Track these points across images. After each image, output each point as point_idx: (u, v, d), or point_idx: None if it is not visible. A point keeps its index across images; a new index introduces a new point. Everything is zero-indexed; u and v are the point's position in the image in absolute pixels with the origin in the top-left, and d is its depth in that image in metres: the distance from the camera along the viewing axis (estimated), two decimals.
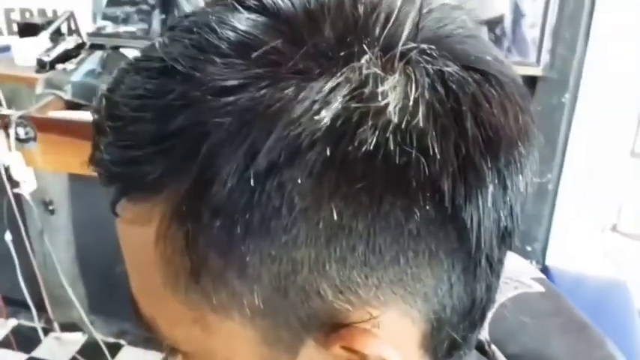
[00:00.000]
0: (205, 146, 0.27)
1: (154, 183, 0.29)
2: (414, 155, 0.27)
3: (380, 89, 0.27)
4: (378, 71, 0.27)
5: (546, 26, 1.51)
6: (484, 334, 0.50)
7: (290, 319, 0.30)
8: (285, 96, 0.27)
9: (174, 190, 0.29)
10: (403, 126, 0.27)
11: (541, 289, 0.55)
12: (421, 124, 0.27)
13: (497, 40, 1.56)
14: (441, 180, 0.28)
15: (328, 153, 0.26)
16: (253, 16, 0.29)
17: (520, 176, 0.31)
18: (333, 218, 0.27)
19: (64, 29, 1.68)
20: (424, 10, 0.30)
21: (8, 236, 1.91)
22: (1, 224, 1.88)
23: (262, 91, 0.27)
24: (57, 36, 1.65)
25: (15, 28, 1.69)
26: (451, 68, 0.29)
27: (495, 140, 0.29)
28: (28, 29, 1.63)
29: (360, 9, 0.29)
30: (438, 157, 0.27)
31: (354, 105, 0.27)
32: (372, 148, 0.27)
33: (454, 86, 0.28)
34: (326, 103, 0.27)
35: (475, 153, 0.29)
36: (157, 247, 0.30)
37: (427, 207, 0.28)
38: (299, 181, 0.27)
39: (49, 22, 1.66)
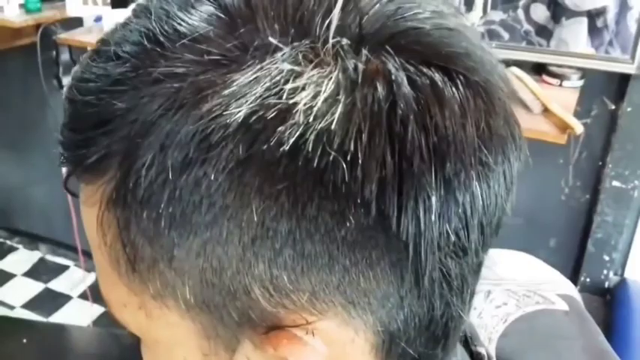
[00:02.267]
0: (132, 134, 0.27)
1: (94, 167, 0.29)
2: (332, 158, 0.25)
3: (293, 86, 0.25)
4: (295, 67, 0.26)
5: None
6: (490, 348, 0.47)
7: (224, 316, 0.29)
8: (203, 87, 0.26)
9: (110, 176, 0.29)
10: (319, 126, 0.25)
11: (565, 307, 0.52)
12: (336, 125, 0.25)
13: (598, 33, 1.47)
14: (364, 186, 0.26)
15: (241, 151, 0.25)
16: (202, 4, 0.29)
17: (484, 184, 0.28)
18: (255, 218, 0.26)
19: None
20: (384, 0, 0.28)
21: None
22: None
23: (183, 82, 0.26)
24: None
25: (109, 0, 1.77)
26: (395, 64, 0.26)
27: (442, 146, 0.26)
28: (119, 1, 1.70)
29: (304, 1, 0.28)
30: (360, 160, 0.25)
31: (270, 101, 0.25)
32: (290, 147, 0.25)
33: (394, 85, 0.26)
34: (239, 97, 0.25)
35: (414, 159, 0.26)
36: (99, 231, 0.30)
37: (357, 214, 0.26)
38: (213, 177, 0.26)
39: None
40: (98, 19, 1.77)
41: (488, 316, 0.49)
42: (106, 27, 1.68)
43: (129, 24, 0.30)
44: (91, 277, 2.44)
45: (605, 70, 1.47)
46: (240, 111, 0.25)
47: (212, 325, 0.30)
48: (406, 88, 0.26)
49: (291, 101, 0.25)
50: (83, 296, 2.39)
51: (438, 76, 0.27)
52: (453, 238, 0.28)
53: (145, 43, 0.28)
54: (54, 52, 1.86)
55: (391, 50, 0.27)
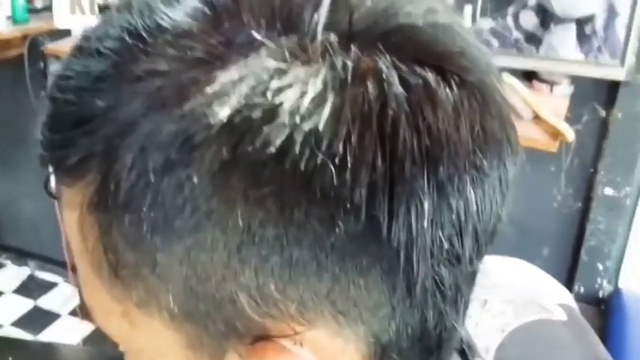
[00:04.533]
0: (112, 134, 0.26)
1: (75, 168, 0.28)
2: (320, 161, 0.24)
3: (278, 84, 0.24)
4: (282, 65, 0.24)
5: (633, 25, 1.40)
6: (488, 359, 0.46)
7: (209, 325, 0.28)
8: (186, 85, 0.25)
9: (91, 179, 0.27)
10: (306, 127, 0.24)
11: (564, 317, 0.50)
12: (324, 126, 0.24)
13: (587, 39, 1.48)
14: (354, 191, 0.24)
15: (225, 152, 0.24)
16: (189, 0, 0.27)
17: (479, 190, 0.27)
18: (240, 224, 0.25)
19: None
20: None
21: None
22: None
23: (166, 79, 0.25)
24: None
25: (96, 9, 1.77)
26: (387, 63, 0.25)
27: (435, 149, 0.25)
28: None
29: None
30: (349, 164, 0.24)
31: (255, 100, 0.24)
32: (276, 150, 0.24)
33: (385, 85, 0.25)
34: (223, 96, 0.24)
35: (406, 162, 0.25)
36: (80, 236, 0.29)
37: (347, 220, 0.25)
38: (196, 180, 0.24)
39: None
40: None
41: (485, 325, 0.48)
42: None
43: (111, 19, 0.28)
44: None
45: (594, 76, 1.48)
46: (223, 110, 0.24)
47: (197, 335, 0.29)
48: (398, 88, 0.25)
49: (276, 100, 0.24)
50: (73, 313, 2.35)
51: (431, 76, 0.26)
52: (446, 245, 0.27)
53: (127, 38, 0.27)
54: (42, 64, 1.86)
55: (382, 48, 0.25)
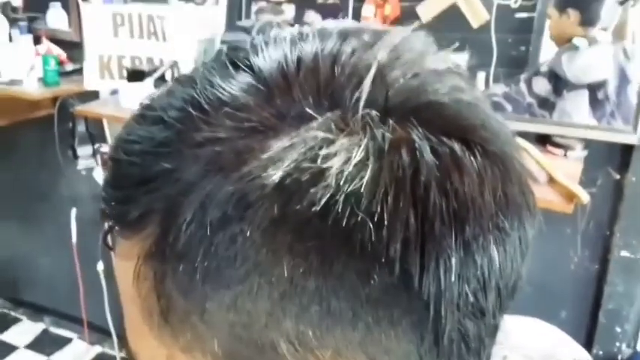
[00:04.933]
0: (174, 193, 0.29)
1: (135, 223, 0.30)
2: (360, 218, 0.27)
3: (326, 152, 0.27)
4: (329, 135, 0.28)
5: None
6: None
7: None
8: (242, 151, 0.28)
9: (149, 232, 0.30)
10: (349, 189, 0.27)
11: None
12: (364, 188, 0.27)
13: (600, 105, 1.51)
14: (389, 246, 0.27)
15: (276, 210, 0.27)
16: (242, 75, 0.31)
17: (501, 248, 0.29)
18: (285, 275, 0.27)
19: (168, 76, 1.81)
20: (409, 74, 0.30)
21: (100, 266, 2.03)
22: (96, 255, 2.00)
23: (224, 146, 0.28)
24: (161, 82, 1.77)
25: (124, 73, 1.84)
26: (419, 134, 0.28)
27: (462, 210, 0.28)
28: (135, 75, 1.77)
29: (336, 70, 0.30)
30: (386, 222, 0.27)
31: (305, 165, 0.27)
32: (320, 208, 0.26)
33: (418, 153, 0.28)
34: (277, 161, 0.27)
35: (436, 222, 0.27)
36: (135, 284, 0.31)
37: (382, 273, 0.27)
38: (248, 234, 0.27)
39: (155, 70, 1.79)
40: (114, 92, 1.83)
41: None
42: (122, 100, 1.74)
43: (174, 91, 0.32)
44: (94, 350, 2.40)
45: (607, 140, 1.50)
46: (276, 173, 0.27)
47: None
48: (429, 156, 0.28)
49: (324, 165, 0.27)
50: None
51: (457, 146, 0.29)
52: (471, 299, 0.29)
53: (190, 109, 0.30)
54: (70, 124, 1.92)
55: (415, 121, 0.29)
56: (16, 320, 2.65)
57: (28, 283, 2.66)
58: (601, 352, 1.66)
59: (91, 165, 1.94)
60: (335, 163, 0.27)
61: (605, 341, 1.65)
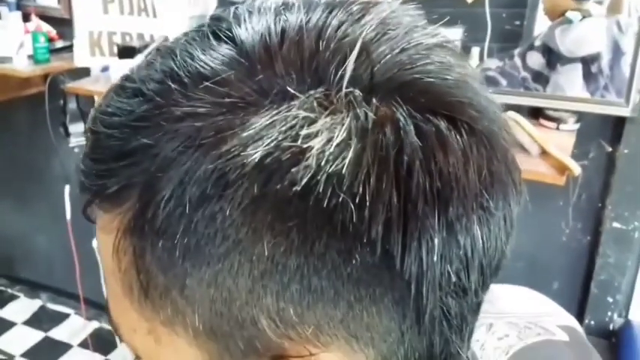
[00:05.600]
0: (153, 168, 0.28)
1: (114, 196, 0.30)
2: (341, 199, 0.27)
3: (308, 131, 0.27)
4: (310, 114, 0.27)
5: (638, 64, 1.43)
6: None
7: (231, 344, 0.30)
8: (221, 129, 0.28)
9: (129, 206, 0.30)
10: (330, 169, 0.27)
11: (565, 338, 0.52)
12: (346, 169, 0.27)
13: (594, 78, 1.51)
14: (371, 227, 0.27)
15: (256, 190, 0.27)
16: (223, 47, 0.30)
17: (485, 228, 0.30)
18: (266, 253, 0.27)
19: None
20: (396, 50, 0.30)
21: (95, 243, 2.03)
22: (90, 231, 2.00)
23: (204, 122, 0.28)
24: None
25: (115, 50, 1.82)
26: (404, 113, 0.28)
27: (446, 190, 0.28)
28: (126, 51, 1.74)
29: (321, 45, 0.29)
30: (368, 203, 0.27)
31: (286, 144, 0.27)
32: (301, 188, 0.26)
33: (402, 133, 0.27)
34: (257, 139, 0.27)
35: (419, 202, 0.27)
36: (114, 258, 0.31)
37: (363, 253, 0.27)
38: (228, 213, 0.27)
39: (146, 46, 1.77)
40: (105, 69, 1.81)
41: (490, 347, 0.50)
42: (113, 77, 1.73)
43: (153, 63, 0.31)
44: (91, 326, 2.42)
45: (600, 113, 1.51)
46: (256, 152, 0.27)
47: (218, 353, 0.31)
48: (413, 136, 0.28)
49: (305, 145, 0.27)
50: (83, 345, 2.36)
51: (443, 124, 0.28)
52: (453, 278, 0.29)
53: (169, 83, 0.29)
54: (61, 101, 1.90)
55: (400, 99, 0.28)
56: (13, 297, 2.67)
57: (24, 260, 2.67)
58: (593, 322, 1.69)
59: (82, 142, 1.93)
60: (316, 143, 0.27)
61: (597, 311, 1.68)
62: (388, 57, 0.29)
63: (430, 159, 0.28)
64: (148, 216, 0.29)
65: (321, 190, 0.26)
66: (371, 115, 0.28)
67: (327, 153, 0.27)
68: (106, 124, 0.31)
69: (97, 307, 2.33)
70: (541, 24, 1.53)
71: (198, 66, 0.30)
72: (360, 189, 0.27)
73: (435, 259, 0.28)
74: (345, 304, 0.29)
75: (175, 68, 0.30)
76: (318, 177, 0.26)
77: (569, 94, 1.52)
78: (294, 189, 0.26)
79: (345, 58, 0.29)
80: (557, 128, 1.51)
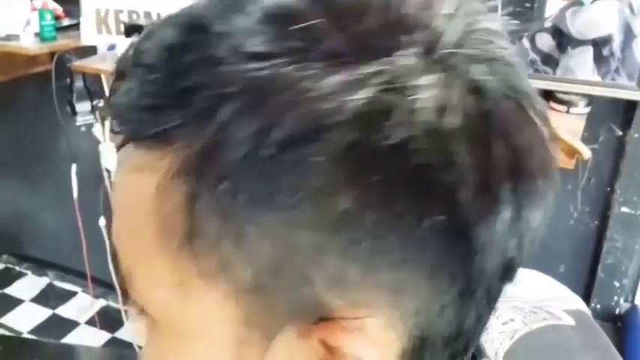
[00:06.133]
0: (225, 108, 0.26)
1: (168, 133, 0.28)
2: (437, 159, 0.26)
3: (415, 84, 0.26)
4: (414, 68, 0.27)
5: None
6: None
7: (276, 301, 0.28)
8: (314, 74, 0.26)
9: (186, 144, 0.27)
10: (432, 127, 0.26)
11: (572, 322, 0.52)
12: (451, 128, 0.26)
13: (605, 61, 1.49)
14: (458, 191, 0.27)
15: (350, 138, 0.25)
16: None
17: (535, 211, 0.30)
18: (342, 206, 0.26)
19: None
20: (468, 29, 0.29)
21: (102, 222, 2.04)
22: (97, 210, 2.01)
23: (292, 66, 0.26)
24: None
25: (122, 28, 1.80)
26: (495, 84, 0.28)
27: (520, 168, 0.28)
28: (133, 30, 1.73)
29: (411, 6, 0.28)
30: (461, 166, 0.26)
31: (386, 96, 0.26)
32: (396, 142, 0.25)
33: (493, 104, 0.27)
34: (358, 87, 0.26)
35: (500, 175, 0.27)
36: (156, 199, 0.28)
37: (440, 216, 0.27)
38: (314, 160, 0.25)
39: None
40: (112, 47, 1.80)
41: (495, 332, 0.50)
42: (119, 55, 1.72)
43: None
44: (98, 304, 2.44)
45: (611, 96, 1.49)
46: (355, 100, 0.25)
47: (259, 310, 0.29)
48: (500, 107, 0.28)
49: (406, 99, 0.26)
50: (91, 322, 2.39)
51: (518, 104, 0.29)
52: (508, 255, 0.30)
53: (237, 19, 0.28)
54: (68, 80, 1.89)
55: (488, 71, 0.28)
56: (20, 275, 2.69)
57: (32, 238, 2.68)
58: (599, 306, 1.69)
59: (90, 121, 1.93)
60: (418, 99, 0.26)
61: (603, 295, 1.68)
62: (473, 27, 0.29)
63: (510, 134, 0.28)
64: (217, 156, 0.26)
65: (413, 147, 0.26)
66: (470, 80, 0.27)
67: (424, 111, 0.26)
68: (161, 57, 0.28)
69: (104, 285, 2.34)
70: (552, 6, 1.51)
71: (279, 5, 0.28)
72: (455, 150, 0.26)
73: (500, 233, 0.28)
74: (406, 268, 0.28)
75: (250, 5, 0.28)
76: (415, 132, 0.26)
77: (580, 77, 1.50)
78: (387, 142, 0.25)
79: (431, 21, 0.28)
80: (567, 111, 1.50)
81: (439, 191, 0.27)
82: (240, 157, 0.26)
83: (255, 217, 0.27)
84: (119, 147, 0.31)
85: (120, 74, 0.30)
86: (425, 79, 0.26)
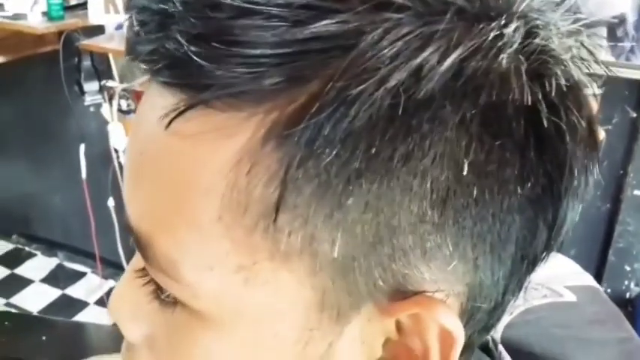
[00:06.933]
0: (349, 60, 0.23)
1: (262, 91, 0.24)
2: (562, 126, 0.26)
3: (551, 47, 0.26)
4: (556, 32, 0.26)
5: None
6: (495, 337, 0.48)
7: (360, 279, 0.26)
8: (460, 32, 0.24)
9: (282, 104, 0.24)
10: (569, 92, 0.26)
11: (572, 298, 0.52)
12: (578, 99, 0.27)
13: (618, 41, 1.46)
14: (570, 158, 0.27)
15: (494, 97, 0.24)
16: None
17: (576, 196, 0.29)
18: (459, 173, 0.24)
19: None
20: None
21: (111, 202, 2.05)
22: (106, 191, 2.01)
23: (436, 17, 0.23)
24: None
25: None
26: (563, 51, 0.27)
27: (592, 147, 0.28)
28: None
29: None
30: (577, 135, 0.26)
31: (534, 57, 0.25)
32: (528, 103, 0.24)
33: (576, 75, 0.27)
34: (506, 45, 0.24)
35: (585, 148, 0.28)
36: (234, 169, 0.24)
37: (539, 182, 0.26)
38: (450, 121, 0.23)
39: None
40: (119, 26, 1.79)
41: None
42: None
43: None
44: (107, 284, 2.45)
45: (625, 77, 1.47)
46: (504, 59, 0.24)
47: (336, 292, 0.26)
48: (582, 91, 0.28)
49: (555, 58, 0.26)
50: (100, 303, 2.40)
51: (579, 81, 0.28)
52: (566, 227, 0.29)
53: None
54: (76, 59, 1.89)
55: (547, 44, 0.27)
56: (30, 255, 2.71)
57: (41, 219, 2.70)
58: (609, 290, 1.67)
59: (98, 101, 1.93)
60: (569, 61, 0.26)
61: (613, 279, 1.67)
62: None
63: (586, 107, 0.28)
64: (330, 119, 0.23)
65: (545, 110, 0.25)
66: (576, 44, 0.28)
67: (572, 75, 0.26)
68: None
69: (113, 266, 2.35)
70: None
71: None
72: (575, 120, 0.26)
73: (573, 205, 0.28)
74: (492, 239, 0.27)
75: None
76: (549, 96, 0.25)
77: None
78: (517, 104, 0.25)
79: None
80: None
81: (553, 156, 0.26)
82: (363, 118, 0.23)
83: (363, 188, 0.24)
84: (182, 111, 0.25)
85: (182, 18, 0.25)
86: (558, 46, 0.26)
